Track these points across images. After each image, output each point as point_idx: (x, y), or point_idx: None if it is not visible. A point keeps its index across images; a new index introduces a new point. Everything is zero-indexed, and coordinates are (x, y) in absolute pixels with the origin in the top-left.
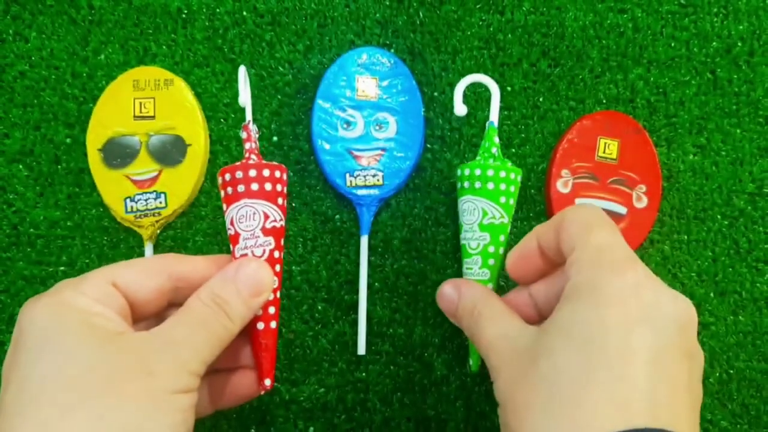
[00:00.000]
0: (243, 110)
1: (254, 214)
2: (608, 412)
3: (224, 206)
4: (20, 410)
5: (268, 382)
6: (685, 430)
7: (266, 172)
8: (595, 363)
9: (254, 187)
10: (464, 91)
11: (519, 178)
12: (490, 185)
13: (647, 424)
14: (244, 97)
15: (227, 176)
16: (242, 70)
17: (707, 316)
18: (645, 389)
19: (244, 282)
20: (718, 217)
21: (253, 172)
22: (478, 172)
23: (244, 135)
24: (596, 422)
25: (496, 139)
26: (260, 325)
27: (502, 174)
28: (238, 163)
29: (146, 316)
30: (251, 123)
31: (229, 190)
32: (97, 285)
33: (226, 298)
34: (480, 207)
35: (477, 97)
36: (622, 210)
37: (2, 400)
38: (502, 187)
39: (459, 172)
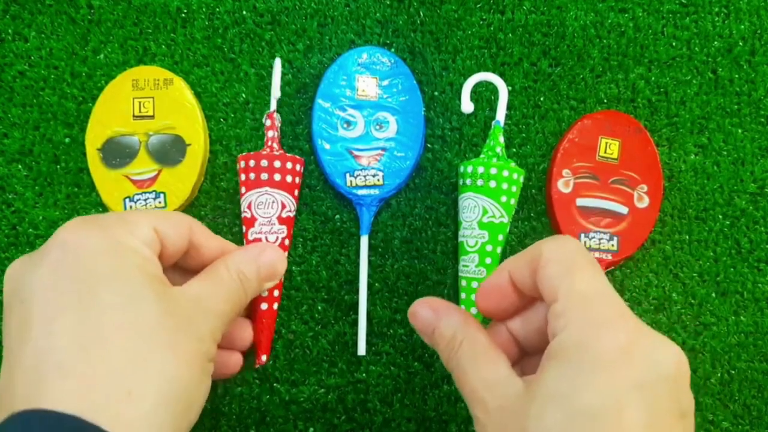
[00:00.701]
0: (243, 110)
1: (273, 202)
2: None
3: (242, 189)
4: (85, 343)
5: (264, 357)
6: None
7: (289, 165)
8: None
9: (277, 177)
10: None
11: (522, 179)
12: (492, 183)
13: None
14: (276, 90)
15: (251, 162)
16: (277, 62)
17: (709, 317)
18: None
19: (265, 265)
20: (720, 217)
21: (277, 163)
22: (481, 169)
23: (267, 123)
24: None
25: (501, 139)
26: (264, 306)
27: (505, 173)
28: (262, 152)
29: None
30: (275, 112)
31: (252, 175)
32: (144, 228)
33: (248, 275)
34: (481, 205)
35: (478, 96)
36: (624, 210)
37: (52, 315)
38: (504, 186)
39: (462, 168)
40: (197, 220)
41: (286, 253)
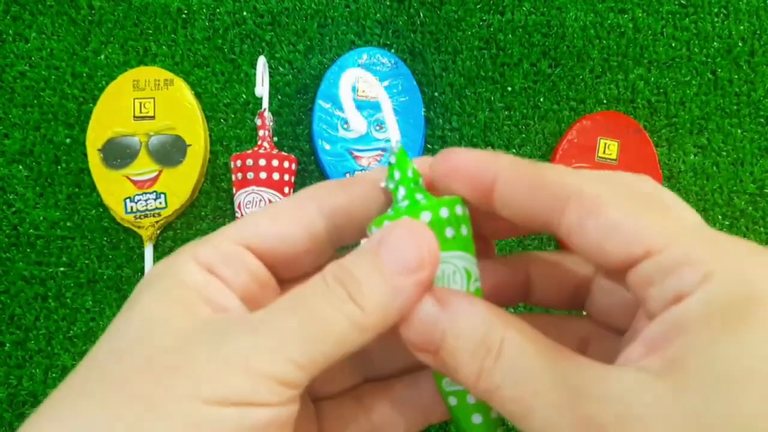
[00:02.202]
0: (243, 111)
1: (260, 201)
2: None
3: (234, 190)
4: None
5: None
6: None
7: (275, 162)
8: None
9: (263, 175)
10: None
11: (466, 210)
12: (464, 231)
13: None
14: (259, 88)
15: (238, 162)
16: (261, 61)
17: None
18: None
19: (390, 251)
20: (719, 217)
21: (262, 161)
22: (427, 217)
23: (258, 122)
24: None
25: (413, 166)
26: None
27: (459, 210)
28: (250, 151)
29: (307, 268)
30: (267, 111)
31: (239, 175)
32: (220, 249)
33: (357, 274)
34: (462, 267)
35: (478, 97)
36: None
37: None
38: (464, 231)
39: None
40: (333, 182)
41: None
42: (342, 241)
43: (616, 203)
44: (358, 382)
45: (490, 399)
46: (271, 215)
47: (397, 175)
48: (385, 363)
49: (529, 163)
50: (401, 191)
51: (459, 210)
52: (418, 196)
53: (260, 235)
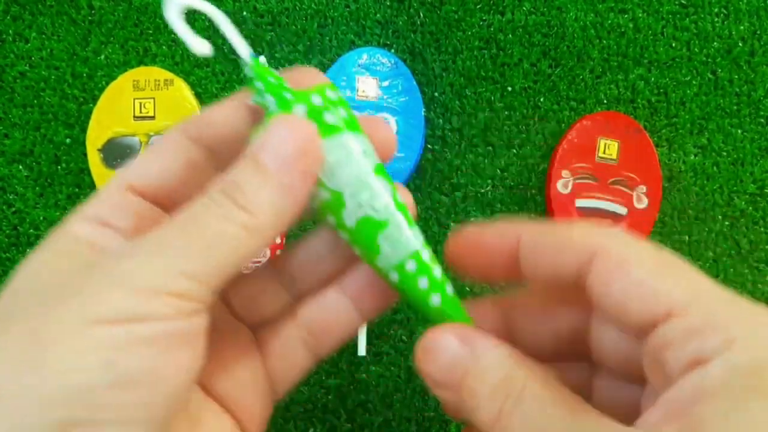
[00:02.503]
0: None
1: None
2: None
3: None
4: None
5: None
6: None
7: None
8: None
9: None
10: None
11: (340, 94)
12: (342, 112)
13: None
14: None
15: None
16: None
17: None
18: None
19: (268, 151)
20: (720, 217)
21: None
22: (301, 110)
23: None
24: None
25: (273, 71)
26: None
27: (330, 95)
28: None
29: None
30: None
31: None
32: (104, 200)
33: (240, 182)
34: (356, 147)
35: (478, 97)
36: (623, 211)
37: None
38: (342, 113)
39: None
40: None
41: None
42: (226, 164)
43: (641, 262)
44: (288, 301)
45: None
46: (148, 155)
47: (259, 85)
48: (306, 276)
49: (551, 224)
50: (269, 99)
51: (331, 94)
52: (286, 95)
53: (142, 176)
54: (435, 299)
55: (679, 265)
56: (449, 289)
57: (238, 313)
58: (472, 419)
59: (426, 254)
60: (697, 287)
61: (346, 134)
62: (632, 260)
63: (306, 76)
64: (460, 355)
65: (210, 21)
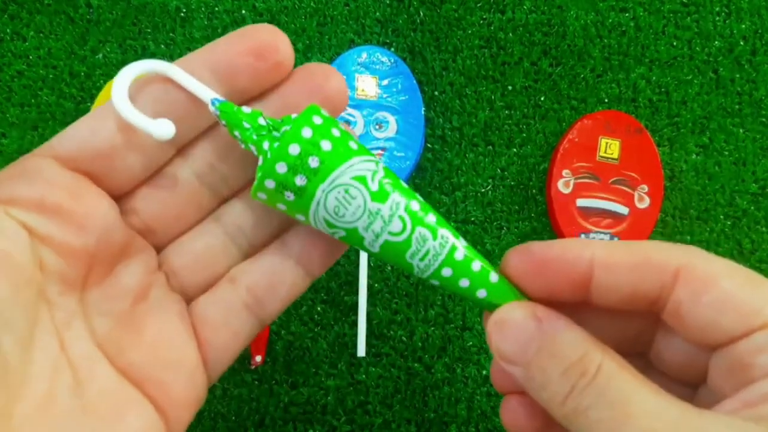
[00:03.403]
0: None
1: None
2: None
3: None
4: None
5: (259, 358)
6: None
7: None
8: None
9: None
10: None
11: (321, 119)
12: (326, 146)
13: None
14: None
15: None
16: None
17: None
18: None
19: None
20: (721, 217)
21: None
22: (282, 168)
23: None
24: None
25: (243, 108)
26: None
27: (317, 120)
28: None
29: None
30: None
31: None
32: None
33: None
34: (350, 180)
35: (478, 96)
36: (624, 210)
37: None
38: (335, 132)
39: (263, 175)
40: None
41: None
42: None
43: (728, 276)
44: (237, 259)
45: (573, 419)
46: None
47: (237, 134)
48: (256, 238)
49: (625, 244)
50: (252, 148)
51: (307, 133)
52: (265, 146)
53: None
54: (481, 293)
55: (761, 278)
56: (493, 277)
57: (171, 280)
58: (537, 396)
59: (459, 254)
60: None
61: (335, 172)
62: (720, 274)
63: (318, 74)
64: (535, 333)
65: (207, 20)
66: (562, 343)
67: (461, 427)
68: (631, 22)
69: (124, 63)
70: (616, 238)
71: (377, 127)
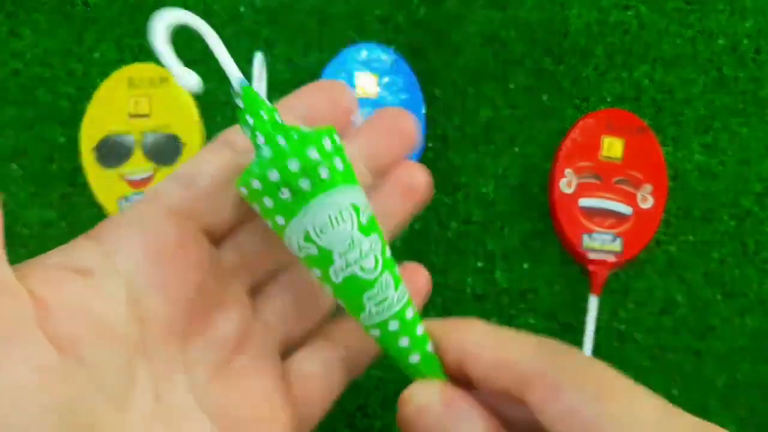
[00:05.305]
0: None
1: None
2: None
3: None
4: None
5: None
6: None
7: None
8: None
9: None
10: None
11: (338, 140)
12: (339, 164)
13: None
14: (258, 86)
15: None
16: (258, 58)
17: (714, 319)
18: None
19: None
20: (725, 217)
21: None
22: (295, 165)
23: None
24: None
25: (266, 105)
26: None
27: (327, 144)
28: None
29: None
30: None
31: None
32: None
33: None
34: (348, 204)
35: (479, 95)
36: (627, 210)
37: None
38: (338, 164)
39: (255, 182)
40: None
41: None
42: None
43: (577, 387)
44: (317, 322)
45: None
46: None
47: (250, 120)
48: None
49: (495, 337)
50: (260, 138)
51: (328, 145)
52: (280, 141)
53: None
54: (414, 358)
55: (622, 386)
56: (430, 347)
57: (266, 331)
58: None
59: (410, 312)
60: (637, 413)
61: (339, 189)
62: (567, 385)
63: (331, 90)
64: (442, 417)
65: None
66: (465, 427)
67: None
68: (635, 20)
69: (120, 61)
70: (619, 239)
71: None
